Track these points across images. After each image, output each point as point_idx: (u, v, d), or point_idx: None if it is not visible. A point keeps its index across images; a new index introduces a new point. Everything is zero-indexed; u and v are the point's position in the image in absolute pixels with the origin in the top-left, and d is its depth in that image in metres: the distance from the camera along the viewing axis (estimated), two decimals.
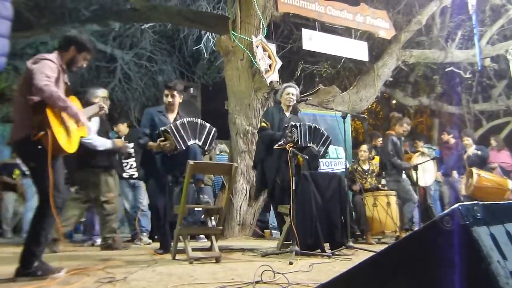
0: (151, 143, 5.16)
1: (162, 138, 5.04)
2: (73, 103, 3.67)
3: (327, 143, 5.61)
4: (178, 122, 5.01)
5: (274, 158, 5.41)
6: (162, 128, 5.05)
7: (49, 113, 3.30)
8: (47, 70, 3.34)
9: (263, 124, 5.73)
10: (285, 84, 6.08)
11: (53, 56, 3.53)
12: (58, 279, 3.26)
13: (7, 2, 3.56)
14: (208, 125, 5.24)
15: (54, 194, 3.38)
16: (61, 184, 3.55)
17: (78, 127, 3.65)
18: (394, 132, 7.74)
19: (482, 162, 8.13)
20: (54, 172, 3.38)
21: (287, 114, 5.83)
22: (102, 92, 6.00)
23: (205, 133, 5.18)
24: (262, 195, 7.39)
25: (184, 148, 4.94)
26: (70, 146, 3.48)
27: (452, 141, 8.89)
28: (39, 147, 3.27)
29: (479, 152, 8.19)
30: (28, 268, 3.32)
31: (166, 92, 5.46)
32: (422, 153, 8.04)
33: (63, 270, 3.44)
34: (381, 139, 7.99)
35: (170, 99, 5.42)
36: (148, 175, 5.38)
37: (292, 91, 5.86)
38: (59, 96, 3.31)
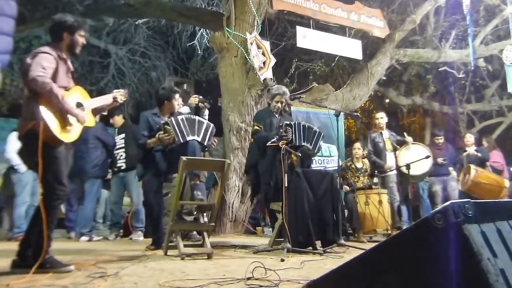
0: (149, 141, 5.18)
1: (162, 132, 5.07)
2: (80, 92, 3.68)
3: (319, 141, 5.59)
4: (179, 117, 5.03)
5: (268, 160, 5.40)
6: (163, 121, 5.11)
7: (43, 102, 3.30)
8: (44, 62, 3.35)
9: (256, 127, 5.72)
10: (275, 90, 6.02)
11: (48, 48, 3.51)
12: (48, 274, 3.25)
13: (12, 1, 3.54)
14: (205, 121, 5.26)
15: (55, 187, 3.38)
16: (64, 175, 3.50)
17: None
18: (374, 128, 8.00)
19: (480, 163, 8.22)
20: (55, 162, 3.38)
21: (277, 115, 5.83)
22: None
23: (203, 129, 5.19)
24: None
25: (182, 141, 4.93)
26: (67, 135, 3.43)
27: (442, 141, 8.92)
28: (31, 133, 3.27)
29: (479, 154, 8.30)
30: (37, 259, 3.29)
31: (176, 96, 5.53)
32: (406, 144, 7.93)
33: (72, 266, 3.43)
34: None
35: (179, 102, 5.63)
36: (146, 172, 5.36)
37: (280, 98, 5.83)
38: (51, 89, 3.28)
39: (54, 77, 3.41)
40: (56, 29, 3.69)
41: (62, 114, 3.42)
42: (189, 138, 4.99)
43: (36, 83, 3.25)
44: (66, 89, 3.54)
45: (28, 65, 3.32)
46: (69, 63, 3.69)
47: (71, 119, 3.49)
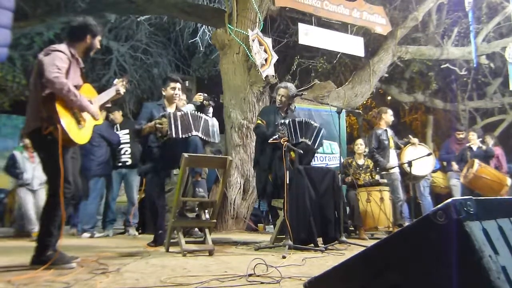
0: (144, 126, 5.12)
1: (158, 120, 5.02)
2: (88, 90, 3.70)
3: (319, 136, 5.57)
4: (178, 113, 4.96)
5: (267, 155, 5.41)
6: (162, 113, 5.06)
7: (59, 104, 3.31)
8: (58, 62, 3.35)
9: (258, 122, 5.72)
10: (281, 84, 6.02)
11: (64, 47, 3.53)
12: (47, 269, 3.25)
13: None
14: (216, 135, 5.24)
15: (63, 185, 3.38)
16: (71, 175, 3.51)
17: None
18: (382, 125, 7.90)
19: (485, 158, 8.24)
20: (63, 162, 3.38)
21: (282, 113, 5.81)
22: None
23: (211, 130, 5.17)
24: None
25: (174, 136, 4.84)
26: (81, 137, 3.48)
27: (463, 137, 9.04)
28: (49, 138, 3.29)
29: (483, 147, 8.33)
30: (41, 256, 3.35)
31: (172, 84, 5.42)
32: (413, 144, 7.95)
33: (77, 259, 3.47)
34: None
35: (177, 91, 5.40)
36: (147, 169, 5.33)
37: (281, 92, 5.81)
38: (69, 89, 3.31)
39: (65, 76, 3.40)
40: (79, 30, 3.71)
41: (77, 114, 3.44)
42: (184, 135, 4.90)
43: (53, 85, 3.26)
44: (77, 87, 3.54)
45: (42, 64, 3.33)
46: (80, 61, 3.71)
47: (85, 116, 3.52)
